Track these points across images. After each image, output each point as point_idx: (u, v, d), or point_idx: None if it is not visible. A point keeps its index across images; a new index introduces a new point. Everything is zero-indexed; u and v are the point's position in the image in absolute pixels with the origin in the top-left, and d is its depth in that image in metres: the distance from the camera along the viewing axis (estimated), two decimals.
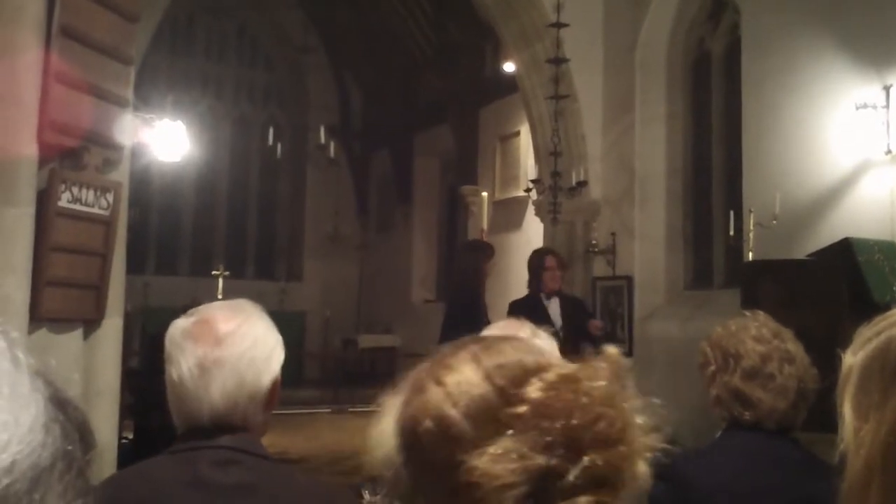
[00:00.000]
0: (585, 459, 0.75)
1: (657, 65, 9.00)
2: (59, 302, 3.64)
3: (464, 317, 6.52)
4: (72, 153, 3.68)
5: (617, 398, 0.81)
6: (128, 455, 5.54)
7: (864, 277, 4.91)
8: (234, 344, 1.60)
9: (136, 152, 5.01)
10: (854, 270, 4.97)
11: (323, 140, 13.07)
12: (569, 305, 6.77)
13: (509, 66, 10.29)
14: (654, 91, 8.99)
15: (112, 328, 4.07)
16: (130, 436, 7.20)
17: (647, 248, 8.88)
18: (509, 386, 0.82)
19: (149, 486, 1.59)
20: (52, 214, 3.55)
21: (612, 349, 0.86)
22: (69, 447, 0.50)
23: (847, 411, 0.95)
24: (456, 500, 0.79)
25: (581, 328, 6.57)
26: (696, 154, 9.00)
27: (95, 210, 3.81)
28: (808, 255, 5.61)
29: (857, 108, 6.47)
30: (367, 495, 2.38)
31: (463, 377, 0.84)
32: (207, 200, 15.75)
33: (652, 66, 8.99)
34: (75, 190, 3.68)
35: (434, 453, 0.82)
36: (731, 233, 7.22)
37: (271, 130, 14.69)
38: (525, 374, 0.83)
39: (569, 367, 0.84)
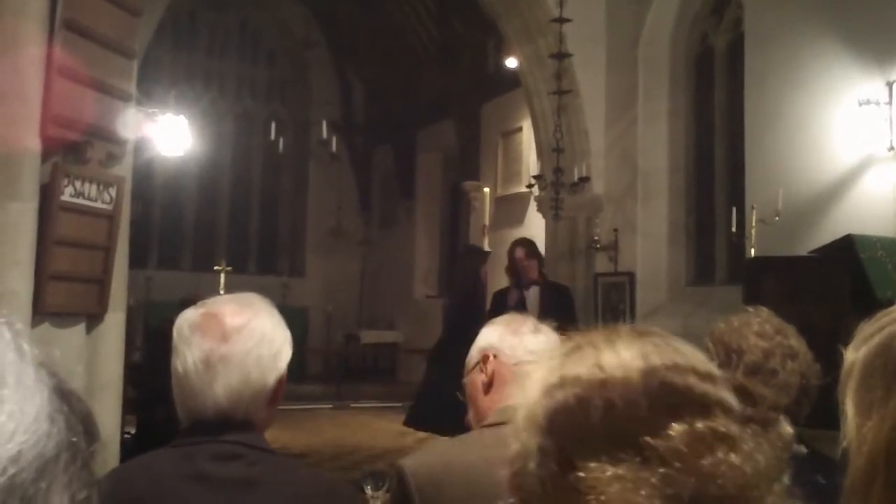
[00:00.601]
0: None
1: (660, 60, 8.99)
2: (62, 296, 3.65)
3: (462, 316, 6.65)
4: (75, 147, 3.69)
5: (757, 489, 0.73)
6: (130, 449, 5.56)
7: (866, 274, 4.91)
8: (242, 341, 1.59)
9: (139, 147, 5.01)
10: (856, 267, 4.97)
11: (325, 135, 13.05)
12: (550, 294, 6.84)
13: (512, 62, 10.28)
14: (656, 87, 8.98)
15: (115, 322, 4.08)
16: (133, 430, 7.20)
17: (650, 245, 8.87)
18: (662, 411, 0.74)
19: (151, 480, 1.59)
20: (55, 209, 3.55)
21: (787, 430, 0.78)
22: (73, 438, 0.50)
23: (849, 408, 0.95)
24: (567, 496, 0.73)
25: (563, 316, 6.69)
26: (698, 150, 8.99)
27: (98, 204, 3.81)
28: (811, 252, 5.61)
29: (860, 105, 6.46)
30: (368, 490, 2.39)
31: (622, 376, 0.76)
32: (210, 195, 15.75)
33: (655, 61, 8.98)
34: (78, 184, 3.68)
35: (560, 438, 0.75)
36: (734, 229, 7.21)
37: (273, 126, 14.67)
38: (685, 405, 0.75)
39: (731, 424, 0.74)
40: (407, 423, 7.29)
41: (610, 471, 0.71)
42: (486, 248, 9.03)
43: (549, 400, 0.77)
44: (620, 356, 0.78)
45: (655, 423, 0.73)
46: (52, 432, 0.48)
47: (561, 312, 6.70)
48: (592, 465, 0.72)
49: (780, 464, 0.74)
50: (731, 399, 0.78)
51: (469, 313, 6.72)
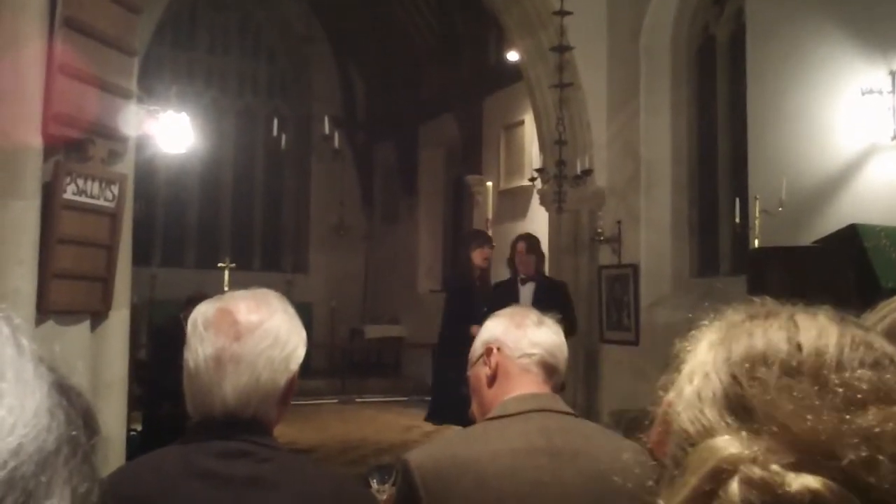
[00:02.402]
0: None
1: (662, 52, 8.98)
2: (65, 294, 3.66)
3: (461, 305, 6.67)
4: (77, 145, 3.69)
5: None
6: (136, 446, 5.57)
7: (870, 263, 4.90)
8: (254, 341, 1.57)
9: (140, 144, 5.01)
10: (861, 256, 4.96)
11: (327, 131, 13.05)
12: (544, 290, 6.86)
13: (513, 55, 10.27)
14: (658, 78, 8.96)
15: (119, 320, 4.08)
16: (139, 427, 7.22)
17: (653, 236, 8.87)
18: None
19: (157, 478, 1.59)
20: (57, 207, 3.55)
21: None
22: (74, 432, 0.50)
23: None
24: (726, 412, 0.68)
25: (560, 312, 6.71)
26: (701, 141, 8.98)
27: (101, 202, 3.82)
28: (815, 242, 5.59)
29: (863, 94, 6.44)
30: (374, 484, 2.40)
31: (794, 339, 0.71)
32: (213, 192, 15.77)
33: (656, 53, 8.97)
34: (80, 182, 3.68)
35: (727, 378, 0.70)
36: (737, 220, 7.20)
37: (275, 122, 14.69)
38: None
39: None
40: (428, 418, 7.32)
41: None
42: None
43: None
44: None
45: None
46: (51, 426, 0.48)
47: (553, 308, 6.71)
48: None
49: None
50: None
51: (465, 299, 6.75)
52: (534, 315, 2.01)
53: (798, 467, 0.63)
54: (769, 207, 6.72)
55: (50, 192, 3.53)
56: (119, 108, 3.90)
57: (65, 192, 3.59)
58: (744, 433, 0.65)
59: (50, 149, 3.53)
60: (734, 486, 0.63)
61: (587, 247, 9.28)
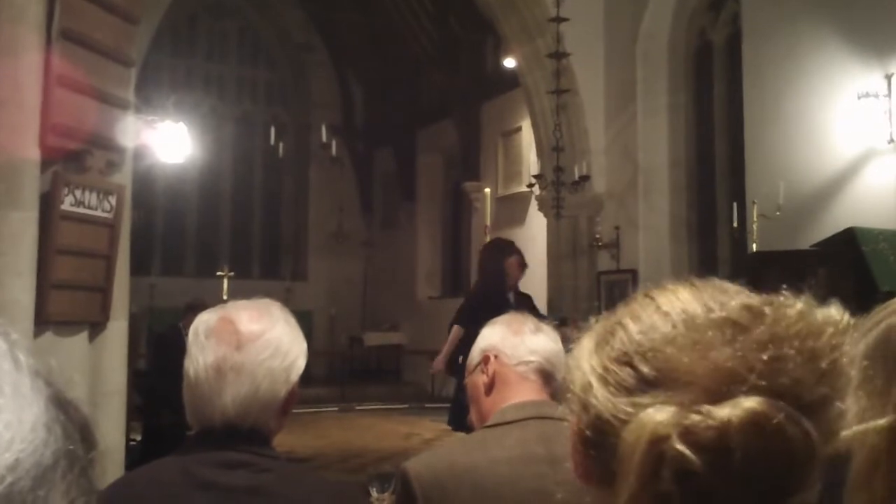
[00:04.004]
0: (794, 369, 0.65)
1: (658, 56, 9.00)
2: (64, 304, 3.66)
3: (493, 312, 6.62)
4: (74, 156, 3.70)
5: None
6: (136, 456, 5.57)
7: (868, 266, 4.90)
8: (255, 351, 1.57)
9: (138, 154, 5.02)
10: (858, 260, 4.96)
11: (325, 138, 13.07)
12: (521, 301, 6.87)
13: (510, 62, 10.29)
14: (655, 82, 8.98)
15: (118, 330, 4.08)
16: (139, 437, 7.21)
17: (652, 241, 8.88)
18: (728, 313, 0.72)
19: (156, 488, 1.59)
20: (55, 218, 3.56)
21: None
22: (71, 446, 0.50)
23: (850, 400, 0.95)
24: (637, 393, 0.69)
25: None
26: (698, 145, 8.99)
27: (99, 213, 3.82)
28: (813, 246, 5.60)
29: (860, 98, 6.46)
30: (374, 492, 2.39)
31: (682, 300, 0.74)
32: (211, 201, 15.78)
33: (653, 57, 8.99)
34: (78, 193, 3.69)
35: (625, 347, 0.72)
36: (735, 224, 7.21)
37: (273, 130, 14.71)
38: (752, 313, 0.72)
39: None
40: (450, 423, 7.32)
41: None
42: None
43: None
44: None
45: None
46: (49, 441, 0.49)
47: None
48: None
49: None
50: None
51: (498, 307, 6.68)
52: (531, 322, 2.01)
53: (721, 399, 0.64)
54: (767, 212, 6.73)
55: (48, 204, 3.54)
56: (116, 119, 3.91)
57: (63, 203, 3.59)
58: (657, 402, 0.66)
59: (48, 160, 3.53)
60: (676, 446, 0.64)
61: (586, 252, 9.28)
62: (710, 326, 0.70)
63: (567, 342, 1.46)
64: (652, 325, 0.73)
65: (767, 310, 0.70)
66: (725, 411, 0.63)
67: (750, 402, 0.64)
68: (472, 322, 6.61)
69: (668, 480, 0.64)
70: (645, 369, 0.69)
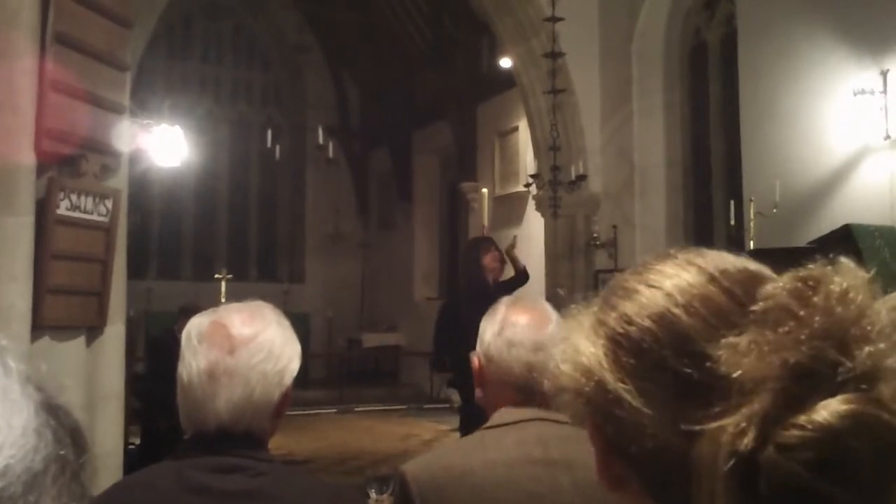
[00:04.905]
0: (859, 354, 0.61)
1: (654, 55, 9.00)
2: (61, 309, 3.65)
3: (474, 309, 6.62)
4: (70, 161, 3.69)
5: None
6: (134, 460, 5.56)
7: (865, 263, 4.90)
8: (248, 355, 1.57)
9: (134, 158, 5.01)
10: (855, 257, 4.96)
11: (321, 140, 13.07)
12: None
13: (506, 62, 10.30)
14: (651, 81, 8.99)
15: (115, 334, 4.07)
16: (137, 441, 7.21)
17: (649, 240, 8.88)
18: (738, 288, 0.70)
19: (150, 494, 1.59)
20: (51, 222, 3.55)
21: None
22: (62, 451, 0.50)
23: None
24: (686, 400, 0.64)
25: None
26: (695, 144, 9.00)
27: (94, 217, 3.81)
28: (809, 243, 5.60)
29: (855, 94, 6.46)
30: (373, 494, 2.39)
31: (682, 280, 0.71)
32: (208, 204, 15.78)
33: (649, 56, 9.00)
34: (74, 197, 3.68)
35: (654, 352, 0.68)
36: (732, 222, 7.22)
37: (269, 132, 14.72)
38: (753, 279, 0.72)
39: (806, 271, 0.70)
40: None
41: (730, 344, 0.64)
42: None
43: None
44: (673, 276, 0.73)
45: (737, 299, 0.70)
46: (39, 446, 0.49)
47: None
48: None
49: None
50: None
51: (483, 304, 6.68)
52: (524, 315, 2.00)
53: (804, 401, 0.59)
54: (764, 209, 6.74)
55: (43, 208, 3.53)
56: (112, 123, 3.90)
57: (58, 207, 3.59)
58: (726, 412, 0.61)
59: (43, 165, 3.52)
60: (771, 457, 0.59)
61: (583, 252, 9.29)
62: (755, 320, 0.65)
63: (560, 305, 1.44)
64: (677, 324, 0.68)
65: (810, 292, 0.67)
66: (821, 415, 0.59)
67: (840, 401, 0.59)
68: (461, 324, 6.64)
69: (767, 497, 0.59)
70: (696, 375, 0.64)
